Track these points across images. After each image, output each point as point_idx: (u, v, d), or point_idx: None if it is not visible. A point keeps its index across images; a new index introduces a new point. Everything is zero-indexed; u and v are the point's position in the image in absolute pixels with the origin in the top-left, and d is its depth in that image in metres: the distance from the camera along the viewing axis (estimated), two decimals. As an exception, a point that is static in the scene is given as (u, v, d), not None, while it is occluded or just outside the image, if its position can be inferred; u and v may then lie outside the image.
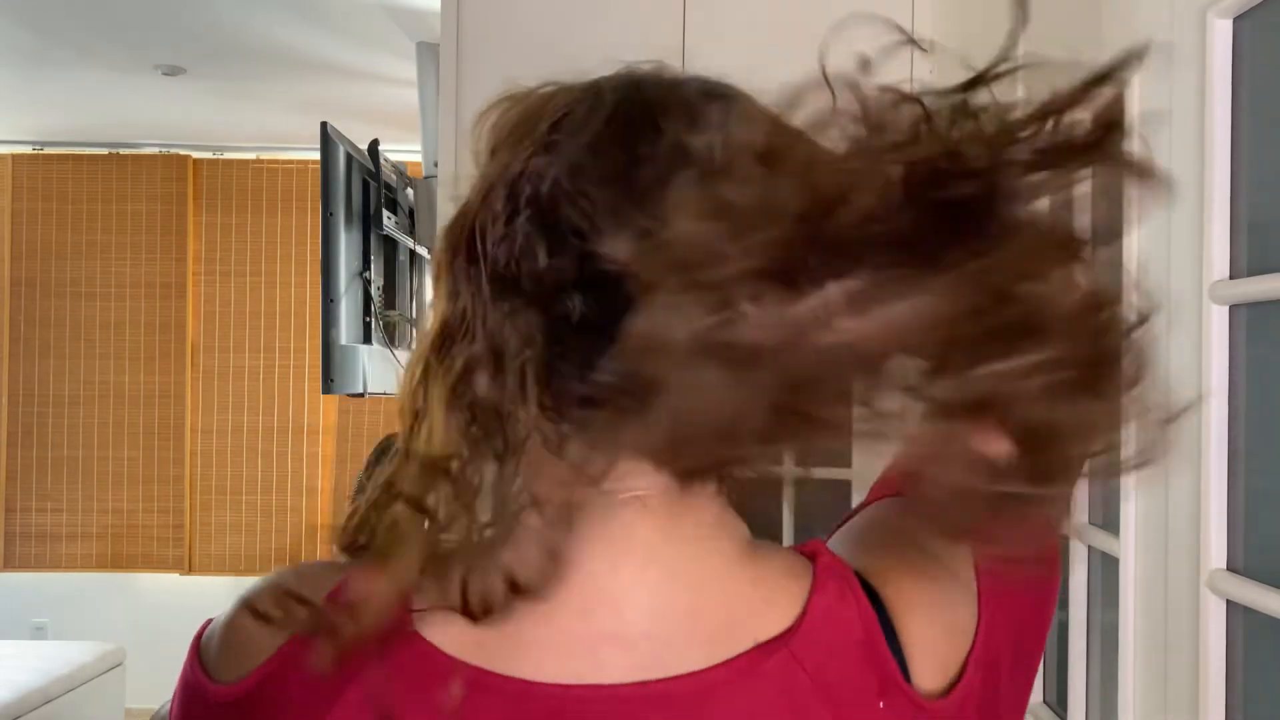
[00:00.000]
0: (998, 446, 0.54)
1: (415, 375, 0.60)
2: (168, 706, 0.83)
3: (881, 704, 0.60)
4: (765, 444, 0.55)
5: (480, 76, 2.54)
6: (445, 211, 2.55)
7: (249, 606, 0.62)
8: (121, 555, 5.26)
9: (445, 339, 0.59)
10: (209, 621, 0.67)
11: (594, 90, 0.62)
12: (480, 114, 0.64)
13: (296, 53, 3.83)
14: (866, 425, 0.54)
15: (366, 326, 2.95)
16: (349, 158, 2.90)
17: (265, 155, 5.28)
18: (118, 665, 4.42)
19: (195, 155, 5.30)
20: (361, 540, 0.59)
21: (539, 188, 0.59)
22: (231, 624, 0.64)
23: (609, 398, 0.56)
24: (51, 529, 5.26)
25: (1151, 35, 1.28)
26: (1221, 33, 1.11)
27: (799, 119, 0.53)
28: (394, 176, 3.20)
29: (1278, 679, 1.10)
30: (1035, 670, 0.70)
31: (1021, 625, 0.68)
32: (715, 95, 0.62)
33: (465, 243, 0.60)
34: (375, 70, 3.94)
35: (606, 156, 0.59)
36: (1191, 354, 1.15)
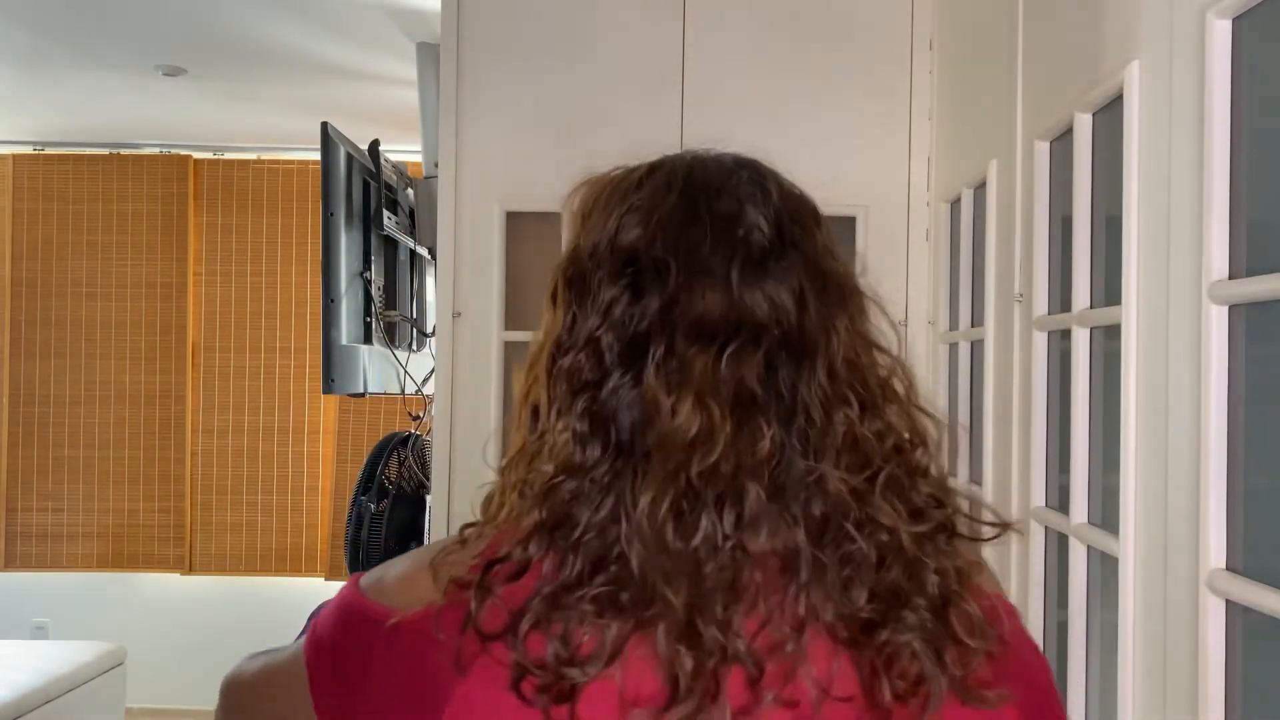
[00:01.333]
0: None
1: (530, 376, 0.79)
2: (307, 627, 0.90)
3: None
4: None
5: (480, 76, 2.54)
6: (446, 212, 2.55)
7: (432, 565, 0.77)
8: (122, 555, 5.26)
9: (557, 346, 0.77)
10: (359, 574, 0.84)
11: (661, 166, 0.83)
12: (569, 194, 0.85)
13: (296, 53, 3.83)
14: None
15: (367, 326, 2.95)
16: (349, 158, 2.90)
17: (265, 155, 5.28)
18: (118, 665, 4.41)
19: (195, 155, 5.30)
20: (493, 511, 0.77)
21: (624, 239, 0.79)
22: (408, 574, 0.80)
23: None
24: (52, 529, 5.26)
25: (1151, 35, 1.28)
26: (1221, 33, 1.11)
27: None
28: (394, 176, 3.20)
29: (1277, 679, 1.10)
30: None
31: None
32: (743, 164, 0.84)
33: (577, 274, 0.79)
34: (375, 70, 3.94)
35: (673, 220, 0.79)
36: (1191, 354, 1.15)
